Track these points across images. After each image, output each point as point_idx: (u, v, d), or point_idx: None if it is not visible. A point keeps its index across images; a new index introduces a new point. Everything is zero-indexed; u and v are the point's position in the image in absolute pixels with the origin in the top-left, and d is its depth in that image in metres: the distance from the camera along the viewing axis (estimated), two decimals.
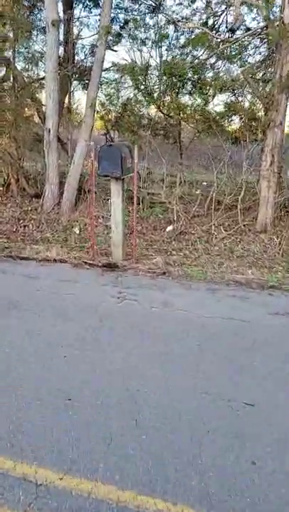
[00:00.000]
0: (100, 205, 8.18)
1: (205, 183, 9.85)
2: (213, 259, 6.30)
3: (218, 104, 6.82)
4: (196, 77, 6.74)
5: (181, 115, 7.02)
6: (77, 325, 4.01)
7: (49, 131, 7.57)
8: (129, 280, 5.29)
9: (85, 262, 5.78)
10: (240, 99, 6.64)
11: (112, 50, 8.15)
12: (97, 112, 7.82)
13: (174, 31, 7.38)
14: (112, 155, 5.23)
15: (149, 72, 7.08)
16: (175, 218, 7.49)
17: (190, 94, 6.83)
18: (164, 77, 6.86)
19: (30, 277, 5.34)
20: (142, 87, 7.06)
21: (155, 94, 7.05)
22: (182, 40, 7.03)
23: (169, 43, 7.21)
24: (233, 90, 6.44)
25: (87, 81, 8.55)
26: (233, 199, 7.50)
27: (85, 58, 8.54)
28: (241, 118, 6.87)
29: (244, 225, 7.46)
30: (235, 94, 6.57)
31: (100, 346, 3.65)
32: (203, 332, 3.95)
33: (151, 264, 5.85)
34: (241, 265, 6.09)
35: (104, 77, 8.72)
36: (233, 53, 6.74)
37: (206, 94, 6.53)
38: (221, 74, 6.59)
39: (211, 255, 6.53)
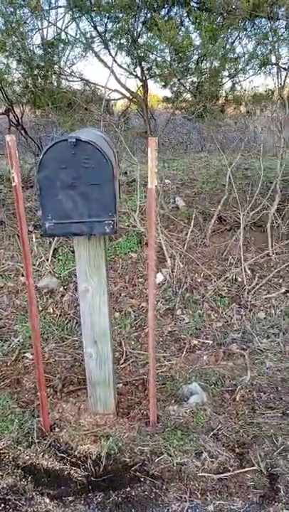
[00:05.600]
0: (11, 245, 4.41)
1: (167, 182, 6.61)
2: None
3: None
4: None
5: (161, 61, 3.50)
6: None
7: None
8: None
9: None
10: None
11: None
12: None
13: None
14: (86, 172, 1.71)
15: None
16: (167, 257, 4.15)
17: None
18: None
19: None
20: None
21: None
22: None
23: None
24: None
25: None
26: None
27: None
28: None
29: (276, 254, 4.50)
30: None
31: None
32: None
33: (187, 420, 2.48)
34: None
35: None
36: None
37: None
38: None
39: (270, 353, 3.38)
